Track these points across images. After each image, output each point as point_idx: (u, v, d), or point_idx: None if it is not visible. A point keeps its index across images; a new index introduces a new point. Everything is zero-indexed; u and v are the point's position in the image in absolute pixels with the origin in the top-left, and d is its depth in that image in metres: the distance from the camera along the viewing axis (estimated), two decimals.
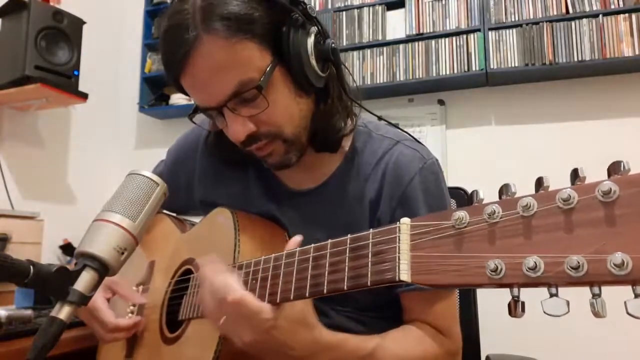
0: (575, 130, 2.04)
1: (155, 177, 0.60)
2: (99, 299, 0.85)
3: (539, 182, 0.39)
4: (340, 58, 0.78)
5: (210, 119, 0.78)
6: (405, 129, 0.87)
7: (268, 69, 0.69)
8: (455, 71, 2.11)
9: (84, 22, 2.10)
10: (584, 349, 1.85)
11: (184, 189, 0.97)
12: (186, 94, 0.77)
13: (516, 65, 2.02)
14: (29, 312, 1.15)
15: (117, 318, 0.85)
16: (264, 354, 0.63)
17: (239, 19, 0.66)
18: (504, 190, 0.41)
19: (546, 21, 2.00)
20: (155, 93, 2.70)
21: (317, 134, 0.78)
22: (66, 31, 2.01)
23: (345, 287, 0.50)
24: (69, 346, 1.08)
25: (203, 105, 0.73)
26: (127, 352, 0.90)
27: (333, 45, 0.75)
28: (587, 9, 1.97)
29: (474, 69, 2.08)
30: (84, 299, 0.51)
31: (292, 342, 0.60)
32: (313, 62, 0.72)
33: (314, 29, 0.73)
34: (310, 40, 0.72)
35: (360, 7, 2.32)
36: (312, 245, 0.57)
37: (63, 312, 0.50)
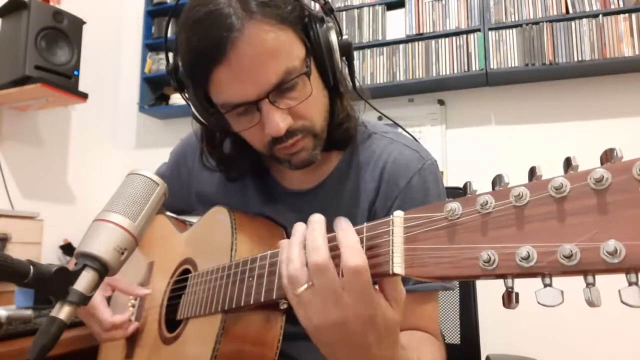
0: (575, 130, 2.04)
1: (155, 177, 0.60)
2: (97, 298, 0.84)
3: (532, 172, 0.38)
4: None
5: (232, 119, 0.71)
6: (405, 129, 0.87)
7: (307, 58, 0.69)
8: (455, 71, 2.11)
9: (84, 22, 2.10)
10: (584, 349, 1.85)
11: (186, 189, 0.97)
12: (199, 100, 0.71)
13: (516, 65, 2.01)
14: (29, 312, 1.15)
15: (114, 316, 0.85)
16: (337, 346, 0.50)
17: (276, 5, 0.65)
18: (497, 181, 0.40)
19: (546, 21, 2.00)
20: (155, 93, 2.70)
21: (333, 131, 0.77)
22: (66, 31, 2.00)
23: None
24: (69, 346, 1.08)
25: (239, 100, 0.67)
26: (127, 353, 0.90)
27: (349, 41, 0.75)
28: (587, 9, 1.97)
29: (474, 69, 2.08)
30: (84, 299, 0.51)
31: (380, 339, 0.49)
32: (337, 56, 0.72)
33: (332, 25, 0.73)
34: (333, 35, 0.72)
35: (360, 7, 2.32)
36: None
37: (63, 312, 0.50)
